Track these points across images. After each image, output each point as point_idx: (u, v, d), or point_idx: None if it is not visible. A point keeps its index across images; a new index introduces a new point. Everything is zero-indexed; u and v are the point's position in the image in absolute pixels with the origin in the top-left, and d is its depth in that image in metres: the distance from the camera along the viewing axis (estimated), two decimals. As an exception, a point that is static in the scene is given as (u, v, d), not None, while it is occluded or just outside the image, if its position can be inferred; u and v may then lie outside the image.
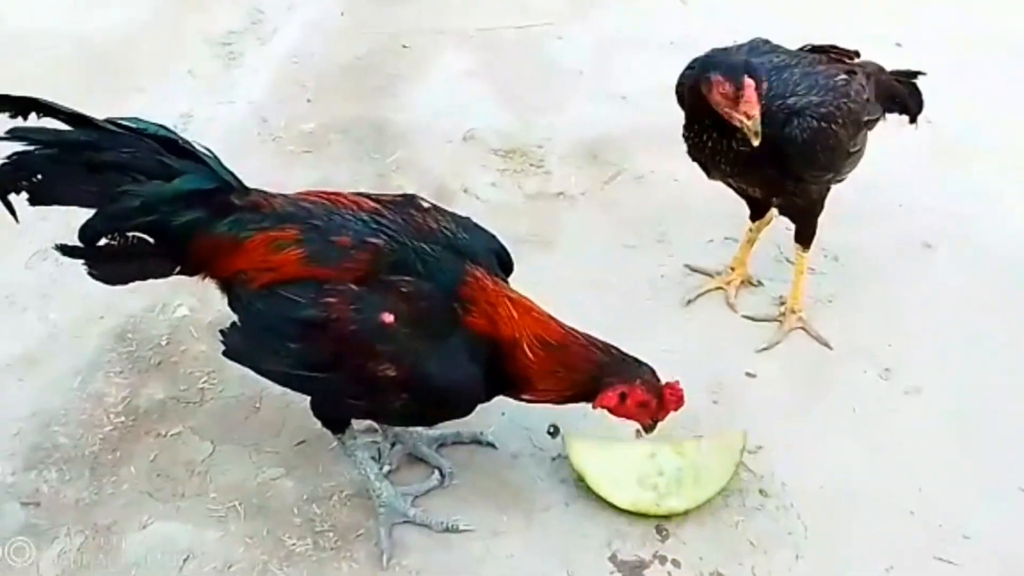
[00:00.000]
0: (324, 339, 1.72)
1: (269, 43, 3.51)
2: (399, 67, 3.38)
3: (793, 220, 2.33)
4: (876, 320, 2.45)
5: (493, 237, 1.94)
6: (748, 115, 1.94)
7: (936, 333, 2.42)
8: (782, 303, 2.47)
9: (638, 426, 1.93)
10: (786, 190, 2.21)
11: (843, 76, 2.16)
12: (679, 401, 1.86)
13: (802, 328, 2.42)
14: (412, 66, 3.38)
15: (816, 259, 2.58)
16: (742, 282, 2.52)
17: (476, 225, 1.92)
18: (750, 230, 2.47)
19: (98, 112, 1.85)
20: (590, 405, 1.87)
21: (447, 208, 1.96)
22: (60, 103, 1.78)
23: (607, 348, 1.85)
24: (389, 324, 1.69)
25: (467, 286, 1.78)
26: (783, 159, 2.10)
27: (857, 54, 2.31)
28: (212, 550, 1.99)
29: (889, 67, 2.41)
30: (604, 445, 2.08)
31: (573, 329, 1.85)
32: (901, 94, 2.40)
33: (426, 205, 1.88)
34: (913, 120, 2.45)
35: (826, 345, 2.38)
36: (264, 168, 2.88)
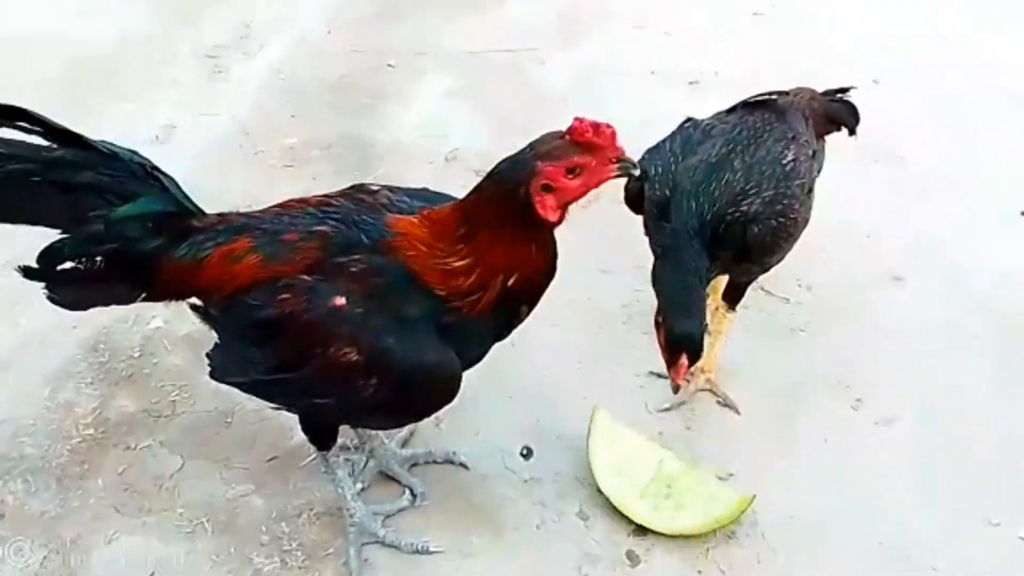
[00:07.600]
0: (284, 335, 1.70)
1: (255, 58, 3.52)
2: (383, 86, 3.40)
3: (734, 288, 2.28)
4: (847, 351, 2.47)
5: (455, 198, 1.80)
6: (674, 382, 2.02)
7: (907, 364, 2.44)
8: None
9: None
10: (743, 271, 2.21)
11: (788, 155, 2.09)
12: (592, 128, 1.53)
13: (710, 391, 2.33)
14: (397, 86, 3.40)
15: (790, 289, 2.61)
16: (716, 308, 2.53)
17: (435, 192, 1.86)
18: None
19: (83, 120, 1.84)
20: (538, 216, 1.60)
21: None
22: (46, 113, 1.74)
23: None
24: (341, 306, 1.67)
25: (392, 227, 1.71)
26: (745, 254, 2.08)
27: (785, 93, 2.28)
28: (178, 567, 1.97)
29: (865, 103, 2.44)
30: (622, 439, 2.10)
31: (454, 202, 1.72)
32: (837, 112, 2.41)
33: (375, 187, 1.84)
34: (852, 132, 2.44)
35: (735, 410, 2.30)
36: (245, 182, 2.88)
